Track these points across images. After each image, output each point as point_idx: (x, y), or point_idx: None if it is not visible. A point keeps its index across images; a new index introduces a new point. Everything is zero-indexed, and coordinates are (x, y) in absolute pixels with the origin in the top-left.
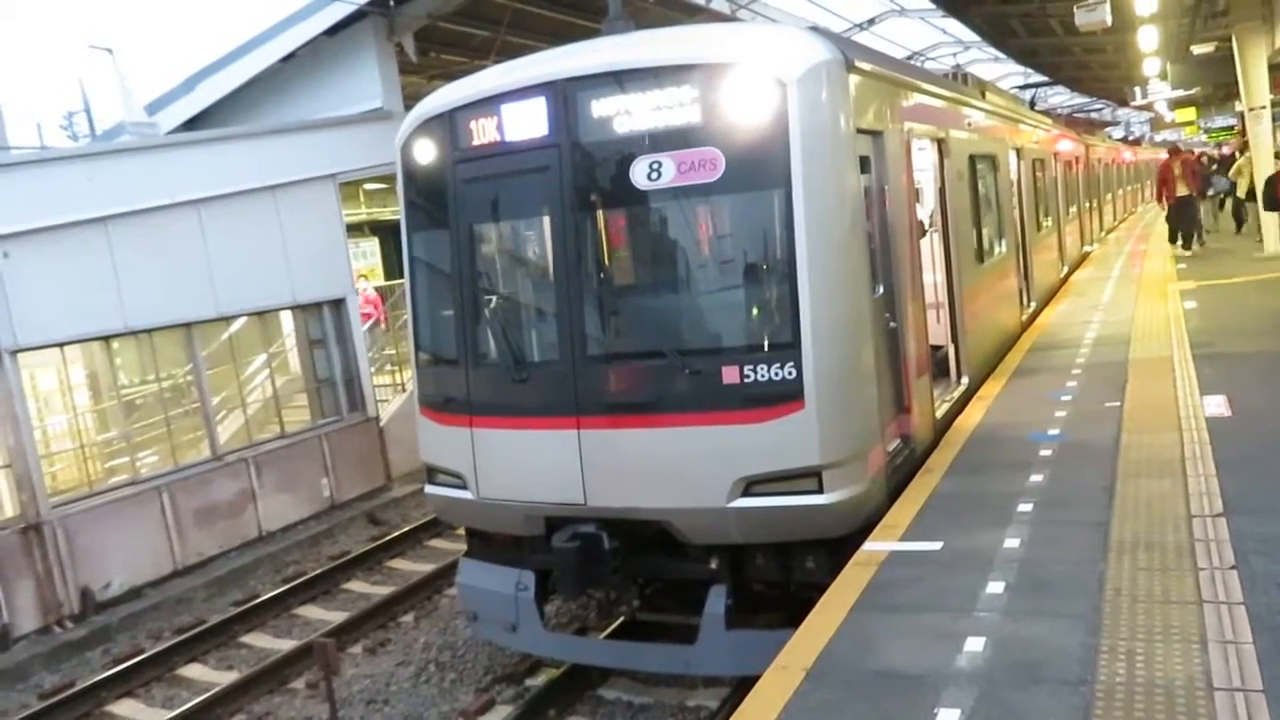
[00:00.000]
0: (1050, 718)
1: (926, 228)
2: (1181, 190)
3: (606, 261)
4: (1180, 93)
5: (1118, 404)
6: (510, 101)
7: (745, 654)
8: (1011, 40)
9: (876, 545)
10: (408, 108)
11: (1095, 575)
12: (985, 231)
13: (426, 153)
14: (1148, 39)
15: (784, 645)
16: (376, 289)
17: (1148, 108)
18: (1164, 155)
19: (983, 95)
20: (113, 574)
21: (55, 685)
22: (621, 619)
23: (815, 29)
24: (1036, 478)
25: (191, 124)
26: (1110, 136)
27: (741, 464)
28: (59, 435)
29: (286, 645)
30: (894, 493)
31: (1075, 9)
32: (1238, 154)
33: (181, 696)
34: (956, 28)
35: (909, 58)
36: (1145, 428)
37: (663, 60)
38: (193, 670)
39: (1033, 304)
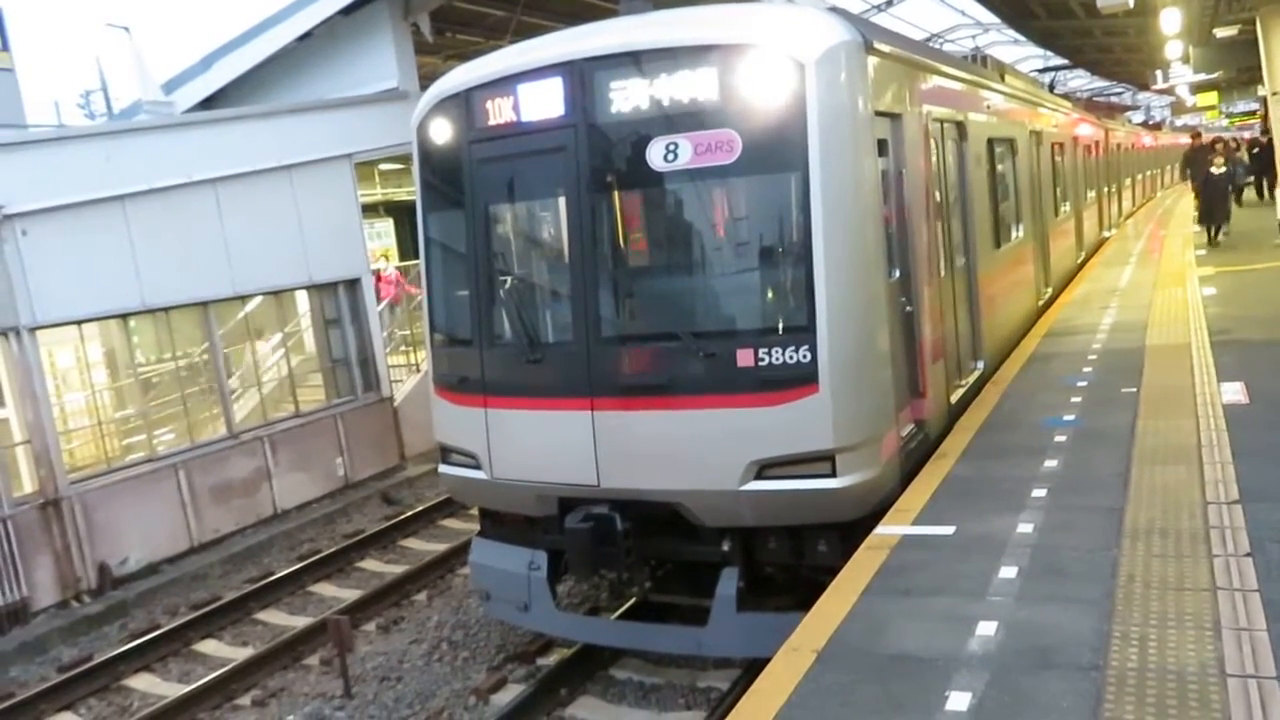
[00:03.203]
0: (1061, 702)
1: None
2: None
3: (622, 243)
4: (1202, 76)
5: (1134, 390)
6: (527, 81)
7: (756, 636)
8: (1031, 22)
9: (889, 529)
10: (423, 88)
11: (1109, 561)
12: (1003, 216)
13: (442, 132)
14: (1170, 22)
15: (795, 628)
16: (396, 268)
17: (1169, 92)
18: (1188, 139)
19: (1002, 78)
20: (130, 550)
21: (73, 659)
22: (633, 600)
23: (834, 10)
24: (1051, 463)
25: (208, 103)
26: (1130, 121)
27: (755, 447)
28: (77, 412)
29: (301, 622)
30: (907, 477)
31: None
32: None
33: (197, 671)
34: (976, 9)
35: (928, 39)
36: (1161, 414)
37: (680, 41)
38: (208, 646)
39: (1050, 289)
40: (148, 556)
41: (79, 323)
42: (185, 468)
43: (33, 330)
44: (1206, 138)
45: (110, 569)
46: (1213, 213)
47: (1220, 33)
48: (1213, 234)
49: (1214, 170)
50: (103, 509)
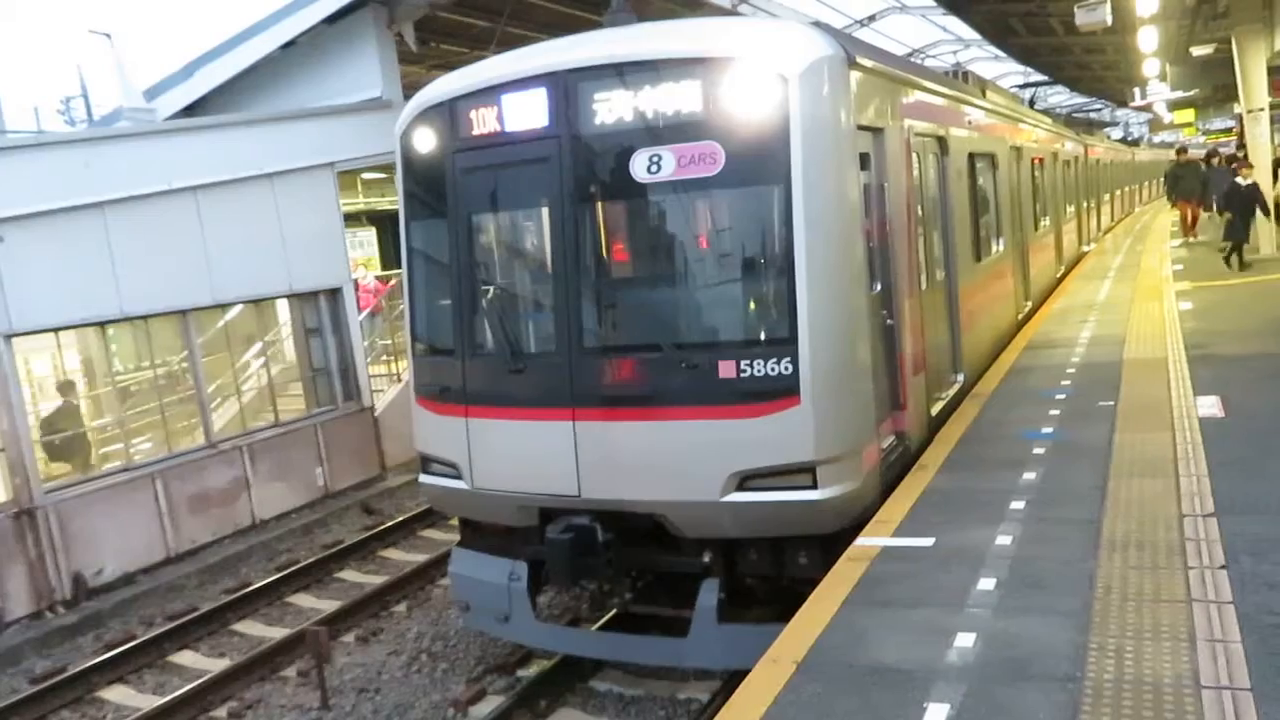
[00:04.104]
0: (1039, 714)
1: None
2: None
3: (604, 254)
4: (1179, 94)
5: (1111, 403)
6: (511, 92)
7: (736, 647)
8: (1012, 39)
9: (869, 540)
10: (407, 97)
11: (1086, 573)
12: (983, 229)
13: (426, 142)
14: (1148, 40)
15: (775, 639)
16: (376, 277)
17: (1147, 108)
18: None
19: (983, 94)
20: (105, 560)
21: (46, 670)
22: (614, 611)
23: (817, 24)
24: (1029, 475)
25: (190, 110)
26: (1109, 137)
27: (736, 458)
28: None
29: (278, 633)
30: (888, 489)
31: (1076, 9)
32: None
33: (173, 683)
34: (957, 25)
35: (909, 55)
36: (1138, 427)
37: (664, 53)
38: (184, 657)
39: (1029, 302)
40: (123, 567)
41: (56, 330)
42: (162, 477)
43: (8, 337)
44: (1194, 154)
45: (85, 579)
46: (1242, 229)
47: (1197, 51)
48: (1237, 257)
49: (1241, 180)
50: (78, 518)
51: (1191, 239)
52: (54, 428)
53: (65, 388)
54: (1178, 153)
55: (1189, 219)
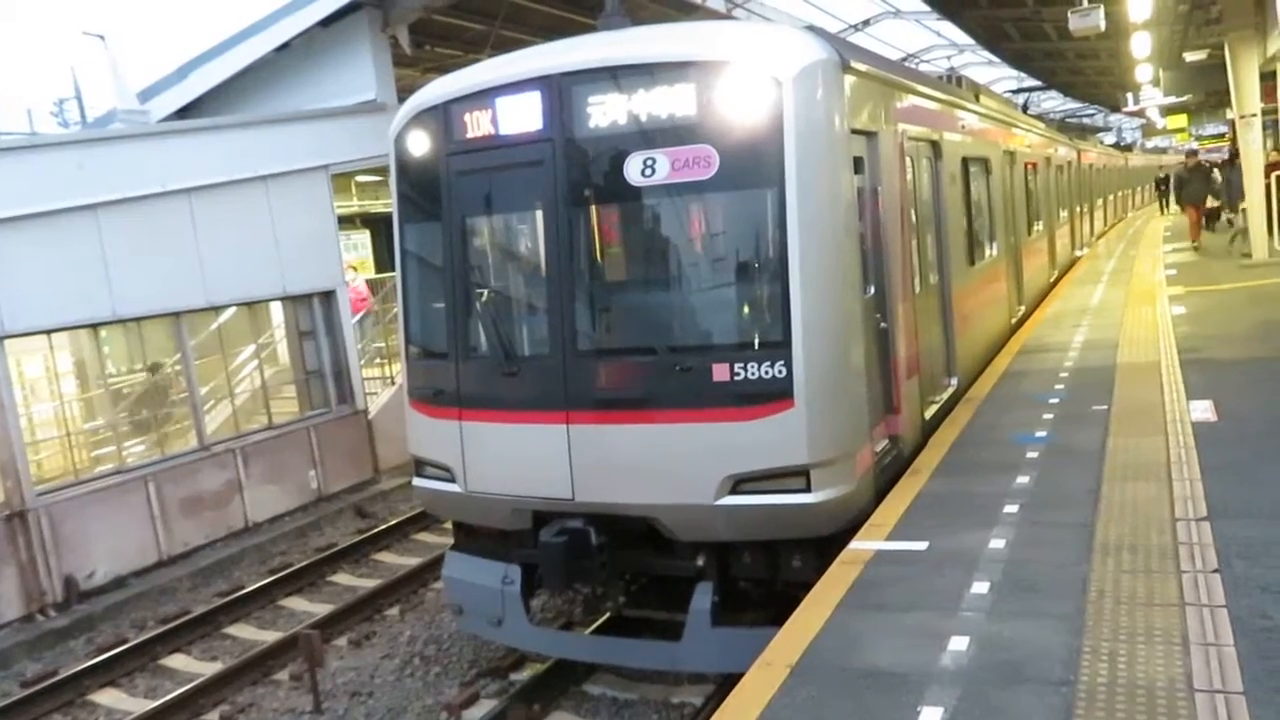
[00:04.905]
0: (1032, 717)
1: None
2: None
3: (598, 257)
4: (1172, 99)
5: (1105, 407)
6: (505, 95)
7: (730, 651)
8: (1005, 44)
9: (863, 544)
10: (401, 100)
11: (1079, 577)
12: (976, 234)
13: (420, 145)
14: (1140, 45)
15: (769, 643)
16: (367, 281)
17: (1140, 114)
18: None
19: (976, 99)
20: (97, 563)
21: (37, 673)
22: (607, 614)
23: (811, 28)
24: (1023, 479)
25: (184, 112)
26: (1102, 142)
27: (730, 462)
28: (45, 423)
29: (271, 637)
30: (881, 492)
31: (1069, 14)
32: None
33: (165, 686)
34: (951, 30)
35: (903, 60)
36: (1131, 431)
37: (658, 57)
38: (176, 660)
39: (1023, 307)
40: (115, 570)
41: (48, 332)
42: (155, 480)
43: (1, 339)
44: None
45: (77, 582)
46: None
47: (1190, 56)
48: None
49: None
50: (70, 521)
51: (1196, 244)
52: (143, 404)
53: (153, 369)
54: (1187, 155)
55: (1194, 223)
